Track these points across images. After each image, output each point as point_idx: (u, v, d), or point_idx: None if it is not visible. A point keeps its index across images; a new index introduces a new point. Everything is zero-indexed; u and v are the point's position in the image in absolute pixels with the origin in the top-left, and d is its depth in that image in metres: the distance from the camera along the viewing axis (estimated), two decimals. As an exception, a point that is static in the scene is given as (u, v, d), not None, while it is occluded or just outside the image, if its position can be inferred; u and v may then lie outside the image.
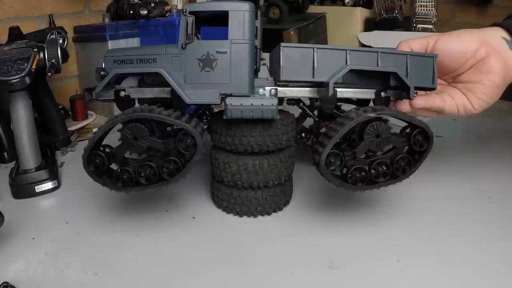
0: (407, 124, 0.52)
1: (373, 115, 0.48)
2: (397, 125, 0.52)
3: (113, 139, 0.51)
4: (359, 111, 0.49)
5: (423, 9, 1.20)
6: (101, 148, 0.50)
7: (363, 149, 0.50)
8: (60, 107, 0.88)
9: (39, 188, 0.64)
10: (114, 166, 0.51)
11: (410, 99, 0.54)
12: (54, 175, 0.66)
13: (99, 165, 0.50)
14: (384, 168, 0.51)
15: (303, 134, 0.74)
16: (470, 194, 0.64)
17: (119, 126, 0.49)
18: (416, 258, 0.49)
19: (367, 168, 0.51)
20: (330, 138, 0.48)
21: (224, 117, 0.51)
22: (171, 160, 0.50)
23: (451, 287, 0.45)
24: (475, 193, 0.64)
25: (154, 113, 0.47)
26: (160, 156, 0.50)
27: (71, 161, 0.75)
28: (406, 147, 0.52)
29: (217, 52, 0.50)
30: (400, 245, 0.51)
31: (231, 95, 0.51)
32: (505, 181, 0.67)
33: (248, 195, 0.56)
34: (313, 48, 0.51)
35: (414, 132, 0.51)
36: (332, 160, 0.50)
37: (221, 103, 0.51)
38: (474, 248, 0.51)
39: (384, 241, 0.52)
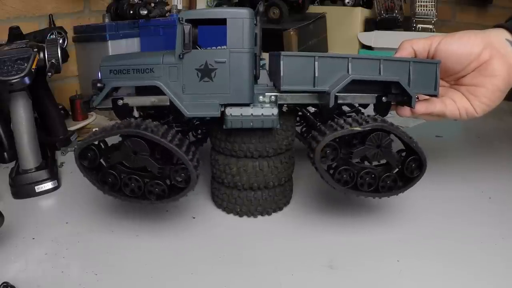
0: (403, 148, 0.52)
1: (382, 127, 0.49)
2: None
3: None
4: (374, 118, 0.49)
5: (423, 9, 1.21)
6: (95, 143, 0.50)
7: (360, 153, 0.50)
8: (60, 107, 0.88)
9: (39, 188, 0.64)
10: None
11: (411, 107, 0.53)
12: (54, 175, 0.66)
13: (90, 158, 0.50)
14: (372, 179, 0.51)
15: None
16: (470, 194, 0.64)
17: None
18: (416, 258, 0.49)
19: (355, 172, 0.51)
20: (334, 131, 0.48)
21: (224, 127, 0.51)
22: (159, 184, 0.50)
23: (451, 287, 0.45)
24: (475, 193, 0.64)
25: (156, 134, 0.47)
26: (151, 175, 0.50)
27: (71, 161, 0.75)
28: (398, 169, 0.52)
29: (216, 61, 0.49)
30: (400, 245, 0.51)
31: (230, 104, 0.51)
32: (505, 181, 0.67)
33: (248, 195, 0.56)
34: (314, 56, 0.51)
35: (409, 158, 0.51)
36: (328, 151, 0.50)
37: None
38: (474, 248, 0.51)
39: (384, 241, 0.52)
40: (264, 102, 0.53)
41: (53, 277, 0.46)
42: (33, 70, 0.60)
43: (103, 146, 0.51)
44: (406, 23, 1.25)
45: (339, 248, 0.51)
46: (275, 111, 0.51)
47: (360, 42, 1.28)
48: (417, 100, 0.55)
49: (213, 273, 0.47)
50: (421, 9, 1.21)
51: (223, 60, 0.49)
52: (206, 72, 0.50)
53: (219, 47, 0.51)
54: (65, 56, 0.74)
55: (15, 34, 0.78)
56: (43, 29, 0.90)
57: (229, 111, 0.50)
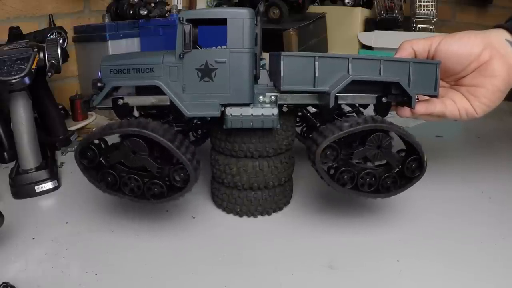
0: (405, 148, 0.52)
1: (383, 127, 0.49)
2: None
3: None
4: (375, 118, 0.49)
5: (423, 9, 1.21)
6: (94, 141, 0.50)
7: (360, 154, 0.50)
8: (60, 107, 0.88)
9: (39, 188, 0.64)
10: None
11: (411, 108, 0.53)
12: (54, 175, 0.66)
13: (91, 158, 0.50)
14: (372, 179, 0.51)
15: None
16: (470, 194, 0.64)
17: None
18: (416, 258, 0.49)
19: (356, 173, 0.51)
20: (332, 133, 0.48)
21: (224, 127, 0.51)
22: (158, 184, 0.50)
23: (451, 287, 0.45)
24: (475, 193, 0.64)
25: (156, 133, 0.47)
26: (150, 174, 0.50)
27: (71, 161, 0.75)
28: (398, 169, 0.52)
29: (216, 61, 0.49)
30: (400, 245, 0.51)
31: (230, 104, 0.51)
32: (505, 181, 0.67)
33: (248, 195, 0.56)
34: (314, 57, 0.51)
35: (410, 158, 0.51)
36: (328, 153, 0.50)
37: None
38: (474, 248, 0.51)
39: (384, 241, 0.52)
40: (264, 102, 0.53)
41: (53, 277, 0.46)
42: (33, 70, 0.60)
43: (103, 146, 0.51)
44: (406, 23, 1.25)
45: (339, 248, 0.51)
46: (275, 111, 0.51)
47: (360, 42, 1.28)
48: (417, 100, 0.55)
49: (213, 273, 0.47)
50: (421, 9, 1.21)
51: (223, 60, 0.49)
52: (206, 72, 0.50)
53: (219, 47, 0.51)
54: (65, 56, 0.74)
55: (15, 34, 0.78)
56: (43, 29, 0.90)
57: (229, 111, 0.50)
